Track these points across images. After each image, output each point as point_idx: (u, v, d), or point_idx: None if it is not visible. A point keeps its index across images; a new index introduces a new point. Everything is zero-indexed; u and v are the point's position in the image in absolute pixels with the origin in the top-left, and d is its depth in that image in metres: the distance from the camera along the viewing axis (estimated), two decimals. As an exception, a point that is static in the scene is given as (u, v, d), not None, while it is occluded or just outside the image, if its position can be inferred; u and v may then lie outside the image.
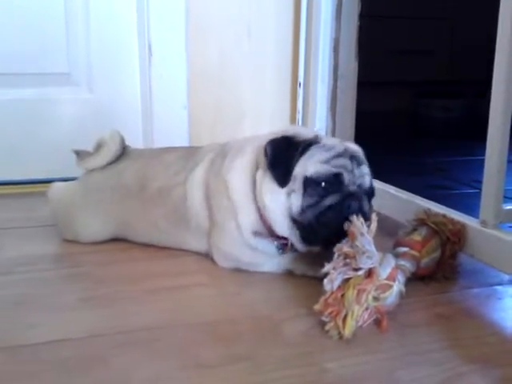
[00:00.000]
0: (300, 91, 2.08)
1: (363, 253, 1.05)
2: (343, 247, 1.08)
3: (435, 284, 1.27)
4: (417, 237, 1.27)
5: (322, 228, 1.21)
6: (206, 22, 2.07)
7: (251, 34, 2.11)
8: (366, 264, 1.05)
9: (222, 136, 2.09)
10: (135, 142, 1.98)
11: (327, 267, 1.07)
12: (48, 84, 2.05)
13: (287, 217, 1.24)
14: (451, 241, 1.27)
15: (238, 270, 1.34)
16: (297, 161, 1.23)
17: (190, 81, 2.08)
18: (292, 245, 1.29)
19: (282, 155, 1.24)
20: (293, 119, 2.16)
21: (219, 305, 1.19)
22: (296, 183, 1.23)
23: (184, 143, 2.06)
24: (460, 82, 4.03)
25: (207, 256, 1.40)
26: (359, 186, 1.24)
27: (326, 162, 1.22)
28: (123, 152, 1.56)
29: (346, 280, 1.05)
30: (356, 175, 1.24)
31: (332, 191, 1.21)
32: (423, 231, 1.28)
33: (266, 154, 1.25)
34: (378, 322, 1.08)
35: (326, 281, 1.06)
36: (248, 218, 1.30)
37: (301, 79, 2.07)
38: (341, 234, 1.12)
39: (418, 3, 3.89)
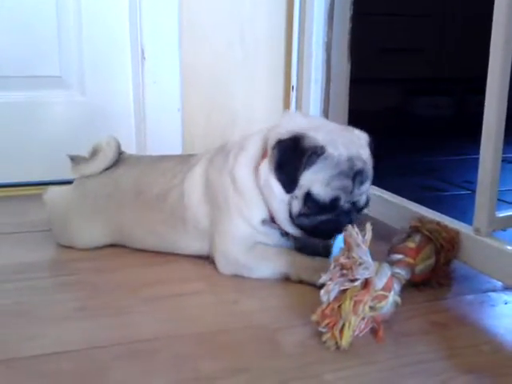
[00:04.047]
0: (293, 94, 2.09)
1: (360, 264, 1.06)
2: (340, 258, 1.08)
3: (430, 291, 1.28)
4: (411, 244, 1.28)
5: (313, 234, 1.33)
6: (198, 26, 2.07)
7: (244, 37, 2.11)
8: (362, 275, 1.06)
9: (215, 138, 2.11)
10: (128, 144, 1.98)
11: (324, 278, 1.08)
12: (40, 87, 2.04)
13: (287, 214, 1.31)
14: (445, 248, 1.29)
15: (235, 277, 1.35)
16: (302, 171, 1.26)
17: (184, 84, 2.08)
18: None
19: (288, 161, 1.27)
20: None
21: (217, 314, 1.19)
22: (299, 191, 1.27)
23: (177, 146, 2.06)
24: (450, 80, 4.05)
25: (203, 260, 1.41)
26: (354, 203, 1.29)
27: (328, 183, 1.26)
28: (119, 158, 1.56)
29: (343, 291, 1.06)
30: (355, 195, 1.29)
31: (325, 211, 1.28)
32: (417, 238, 1.29)
33: (273, 155, 1.29)
34: (374, 332, 1.09)
35: (322, 292, 1.07)
36: (256, 208, 1.35)
37: (294, 82, 2.08)
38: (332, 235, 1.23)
39: (407, 0, 3.89)
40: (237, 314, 1.19)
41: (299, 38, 2.03)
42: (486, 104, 1.20)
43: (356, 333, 1.06)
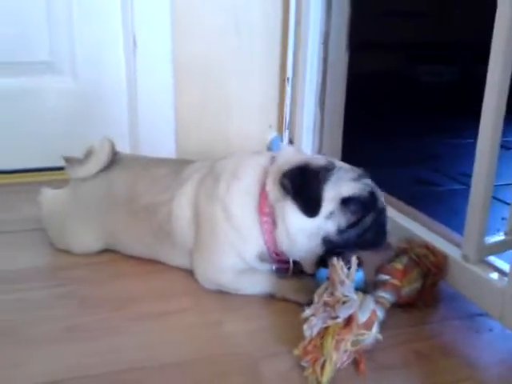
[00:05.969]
0: (288, 84, 2.05)
1: (343, 302, 1.06)
2: (323, 295, 1.08)
3: (415, 313, 1.28)
4: (398, 265, 1.28)
5: (362, 245, 1.28)
6: (192, 15, 2.01)
7: (239, 26, 2.05)
8: (345, 314, 1.06)
9: (209, 131, 2.09)
10: (121, 132, 1.98)
11: (307, 312, 1.08)
12: (30, 73, 2.00)
13: (320, 239, 1.26)
14: (432, 272, 1.28)
15: (220, 292, 1.35)
16: (323, 187, 1.23)
17: (177, 75, 2.03)
18: (292, 268, 1.33)
19: (305, 183, 1.24)
20: (280, 114, 2.13)
21: (200, 339, 1.19)
22: (332, 205, 1.24)
23: (170, 136, 2.04)
24: (454, 45, 3.96)
25: (192, 273, 1.41)
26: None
27: (357, 180, 1.26)
28: (114, 159, 1.53)
29: (326, 327, 1.06)
30: (380, 194, 1.29)
31: (370, 209, 1.26)
32: (404, 260, 1.29)
33: (283, 187, 1.25)
34: (356, 363, 1.10)
35: (305, 326, 1.07)
36: (253, 244, 1.32)
37: (289, 73, 2.04)
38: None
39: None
40: (220, 339, 1.19)
41: (296, 29, 1.97)
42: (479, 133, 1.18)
43: (338, 365, 1.07)
